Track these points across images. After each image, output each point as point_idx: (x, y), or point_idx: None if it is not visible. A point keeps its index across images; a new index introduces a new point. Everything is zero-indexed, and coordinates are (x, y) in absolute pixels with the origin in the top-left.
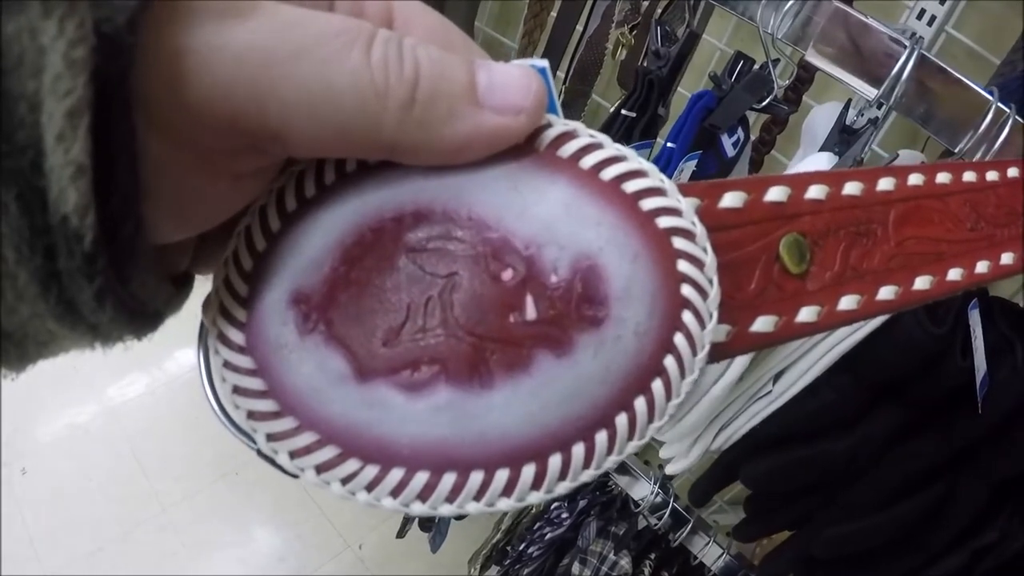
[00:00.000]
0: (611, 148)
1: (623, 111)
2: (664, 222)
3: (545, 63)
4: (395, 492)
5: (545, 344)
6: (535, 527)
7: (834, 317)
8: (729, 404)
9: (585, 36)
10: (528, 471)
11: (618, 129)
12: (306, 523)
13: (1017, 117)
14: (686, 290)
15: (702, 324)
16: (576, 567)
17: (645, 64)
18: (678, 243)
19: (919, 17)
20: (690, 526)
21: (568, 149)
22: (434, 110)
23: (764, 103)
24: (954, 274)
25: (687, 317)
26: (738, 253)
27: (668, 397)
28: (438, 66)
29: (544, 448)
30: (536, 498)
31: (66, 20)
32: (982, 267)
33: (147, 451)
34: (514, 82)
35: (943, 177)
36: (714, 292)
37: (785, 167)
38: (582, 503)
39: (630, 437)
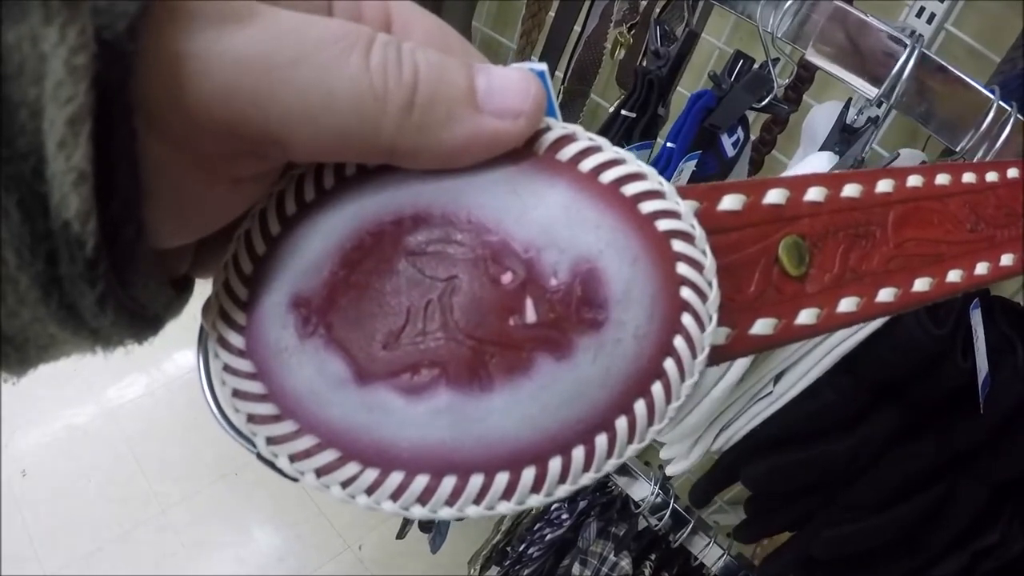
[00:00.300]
0: (610, 151)
1: (622, 111)
2: (663, 225)
3: (544, 66)
4: (395, 495)
5: (545, 347)
6: (535, 528)
7: (833, 319)
8: (730, 405)
9: (583, 36)
10: (528, 474)
11: (618, 129)
12: (305, 523)
13: (1018, 115)
14: (686, 293)
15: (702, 327)
16: (576, 568)
17: (644, 64)
18: (677, 246)
19: (919, 15)
20: (690, 527)
21: (567, 152)
22: (433, 114)
23: (764, 102)
24: (954, 276)
25: (687, 320)
26: (737, 255)
27: (668, 400)
28: (437, 70)
29: (544, 451)
30: (536, 501)
31: (67, 27)
32: (982, 268)
33: (146, 452)
34: (513, 86)
35: (942, 178)
36: (713, 295)
37: (785, 167)
38: (582, 504)
39: (630, 440)
